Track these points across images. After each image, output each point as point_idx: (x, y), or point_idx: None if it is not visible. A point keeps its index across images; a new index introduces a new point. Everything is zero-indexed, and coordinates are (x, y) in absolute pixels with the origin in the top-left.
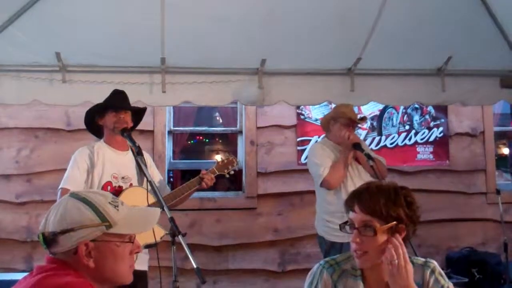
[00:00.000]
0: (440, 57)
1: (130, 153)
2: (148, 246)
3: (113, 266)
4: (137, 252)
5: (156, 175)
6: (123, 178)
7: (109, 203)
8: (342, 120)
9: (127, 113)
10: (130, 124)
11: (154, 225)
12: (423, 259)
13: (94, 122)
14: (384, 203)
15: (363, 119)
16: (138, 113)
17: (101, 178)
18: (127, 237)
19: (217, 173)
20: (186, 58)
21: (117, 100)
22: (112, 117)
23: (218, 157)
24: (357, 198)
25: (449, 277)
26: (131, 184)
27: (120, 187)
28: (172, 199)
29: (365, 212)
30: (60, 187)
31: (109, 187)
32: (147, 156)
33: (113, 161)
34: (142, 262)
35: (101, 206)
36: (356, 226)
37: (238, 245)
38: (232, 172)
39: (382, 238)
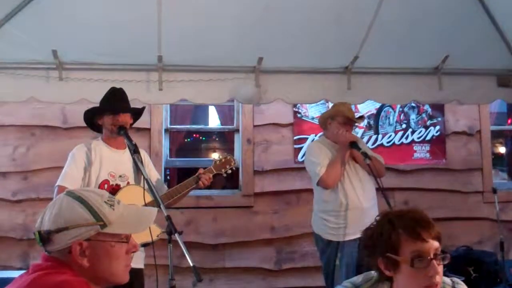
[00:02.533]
0: (437, 55)
1: (127, 151)
2: (144, 245)
3: (108, 266)
4: (134, 252)
5: (154, 173)
6: (120, 176)
7: (105, 202)
8: (339, 119)
9: (126, 114)
10: (130, 122)
11: (150, 225)
12: (450, 282)
13: (93, 121)
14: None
15: (361, 118)
16: (137, 112)
17: (98, 176)
18: (123, 237)
19: (215, 172)
20: (183, 56)
21: (115, 101)
22: (110, 119)
23: (216, 156)
24: (423, 226)
25: (446, 276)
26: (128, 183)
27: (117, 185)
28: (168, 198)
29: (435, 239)
30: (57, 184)
31: (106, 185)
32: (144, 154)
33: (111, 159)
34: (137, 260)
35: (96, 205)
36: (432, 257)
37: (234, 243)
38: (229, 172)
39: None
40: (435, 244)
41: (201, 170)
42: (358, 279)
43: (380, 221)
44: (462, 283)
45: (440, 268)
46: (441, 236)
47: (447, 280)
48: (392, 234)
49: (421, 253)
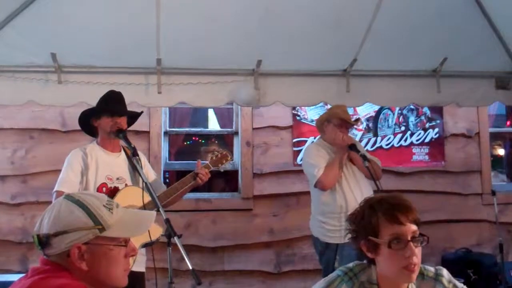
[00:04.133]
0: (435, 58)
1: (123, 154)
2: (145, 245)
3: (107, 270)
4: (133, 256)
5: (151, 174)
6: (118, 179)
7: (104, 205)
8: (335, 121)
9: (123, 118)
10: (125, 127)
11: (149, 228)
12: (433, 270)
13: (89, 122)
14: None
15: (357, 120)
16: (133, 116)
17: (96, 179)
18: (121, 240)
19: (212, 167)
20: (182, 59)
21: (114, 103)
22: (107, 120)
23: (212, 153)
24: (401, 210)
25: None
26: (126, 185)
27: (115, 187)
28: (167, 197)
29: (413, 222)
30: (55, 190)
31: (104, 188)
32: (141, 156)
33: (107, 162)
34: (139, 263)
35: (95, 209)
36: (409, 239)
37: (234, 246)
38: (226, 167)
39: None
40: (413, 227)
41: (198, 166)
42: (349, 264)
43: (363, 206)
44: (445, 269)
45: (418, 250)
46: (419, 220)
47: (431, 268)
48: (372, 218)
49: (399, 235)
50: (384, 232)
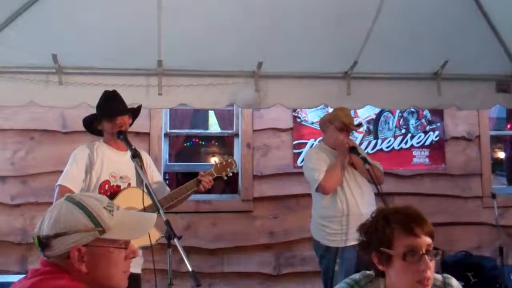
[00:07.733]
0: (436, 61)
1: (129, 153)
2: (143, 248)
3: (106, 272)
4: (133, 258)
5: (156, 175)
6: (121, 177)
7: (104, 208)
8: (336, 123)
9: (123, 116)
10: (129, 122)
11: (149, 231)
12: (440, 278)
13: (93, 126)
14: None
15: (358, 125)
16: (134, 111)
17: (100, 176)
18: (122, 243)
19: (215, 175)
20: (183, 61)
21: (111, 105)
22: (109, 123)
23: (216, 159)
24: (417, 222)
25: None
26: (129, 184)
27: (118, 186)
28: (169, 201)
29: (428, 235)
30: (57, 183)
31: (106, 186)
32: (146, 157)
33: (112, 160)
34: (135, 265)
35: (95, 211)
36: (424, 252)
37: (233, 248)
38: (230, 175)
39: None
40: (428, 240)
41: (201, 173)
42: (355, 276)
43: (376, 217)
44: (453, 278)
45: (432, 264)
46: (433, 233)
47: (438, 276)
48: (386, 229)
49: (414, 248)
50: (398, 244)
